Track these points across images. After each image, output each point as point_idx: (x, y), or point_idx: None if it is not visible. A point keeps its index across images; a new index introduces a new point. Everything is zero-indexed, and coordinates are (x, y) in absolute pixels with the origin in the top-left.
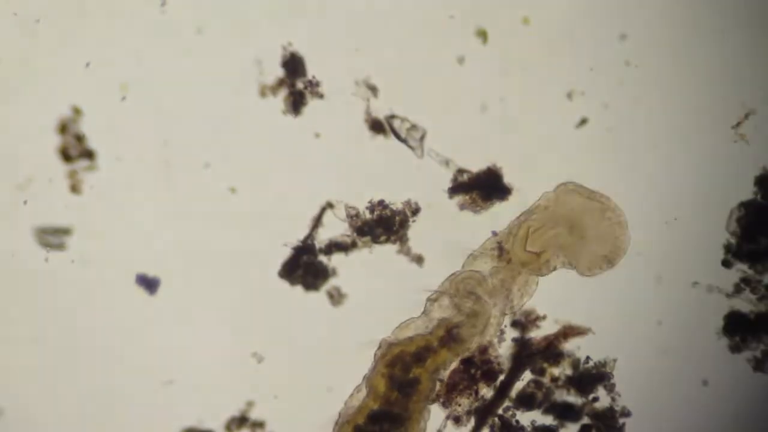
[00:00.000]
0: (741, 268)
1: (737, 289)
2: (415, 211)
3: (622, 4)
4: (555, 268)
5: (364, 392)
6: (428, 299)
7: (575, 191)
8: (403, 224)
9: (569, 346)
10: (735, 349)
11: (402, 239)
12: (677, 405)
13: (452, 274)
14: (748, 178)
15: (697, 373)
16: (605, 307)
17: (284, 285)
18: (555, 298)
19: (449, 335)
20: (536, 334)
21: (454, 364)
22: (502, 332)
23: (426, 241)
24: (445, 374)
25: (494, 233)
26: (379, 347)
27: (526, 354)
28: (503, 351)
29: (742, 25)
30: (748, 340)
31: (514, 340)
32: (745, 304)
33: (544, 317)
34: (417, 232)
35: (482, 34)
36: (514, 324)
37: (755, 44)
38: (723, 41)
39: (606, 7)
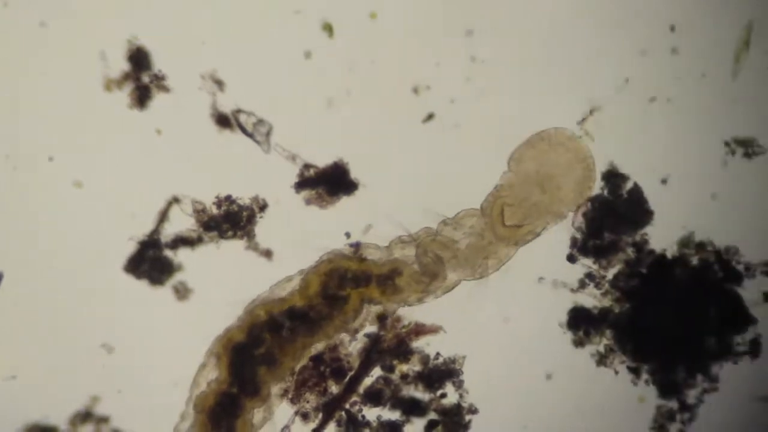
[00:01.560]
0: (586, 263)
1: (581, 285)
2: (263, 207)
3: (468, 0)
4: (540, 232)
5: (294, 285)
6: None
7: (526, 156)
8: (251, 220)
9: (419, 343)
10: (578, 343)
11: (249, 235)
12: (522, 400)
13: (430, 231)
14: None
15: (541, 367)
16: (454, 304)
17: (130, 279)
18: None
19: (389, 276)
20: (391, 332)
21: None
22: (357, 330)
23: (273, 236)
24: (368, 315)
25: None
26: (328, 253)
27: (376, 350)
28: (354, 348)
29: (587, 23)
30: (592, 334)
31: (367, 335)
32: (589, 299)
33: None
34: (264, 228)
35: (328, 29)
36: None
37: (600, 41)
38: (568, 38)
39: (452, 3)
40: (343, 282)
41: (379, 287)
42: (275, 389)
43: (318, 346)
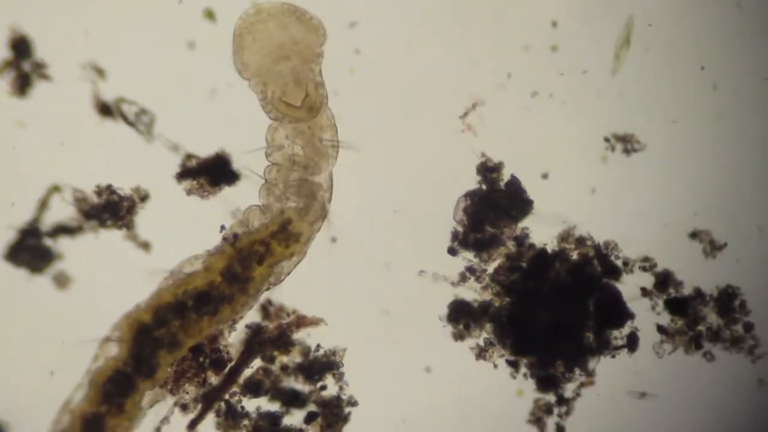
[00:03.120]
0: (466, 257)
1: (462, 278)
2: (144, 198)
3: None
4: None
5: (199, 265)
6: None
7: (245, 57)
8: (131, 210)
9: (300, 334)
10: (458, 337)
11: (129, 225)
12: (402, 392)
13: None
14: (473, 168)
15: (421, 360)
16: (335, 296)
17: (8, 268)
18: (290, 288)
19: (282, 228)
20: (272, 323)
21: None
22: (234, 321)
23: (153, 227)
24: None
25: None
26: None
27: (257, 341)
28: (234, 339)
29: (469, 19)
30: (471, 328)
31: (248, 326)
32: (470, 292)
33: (294, 312)
34: (145, 218)
35: (210, 16)
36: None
37: (482, 36)
38: (449, 33)
39: None
40: (248, 262)
41: (280, 244)
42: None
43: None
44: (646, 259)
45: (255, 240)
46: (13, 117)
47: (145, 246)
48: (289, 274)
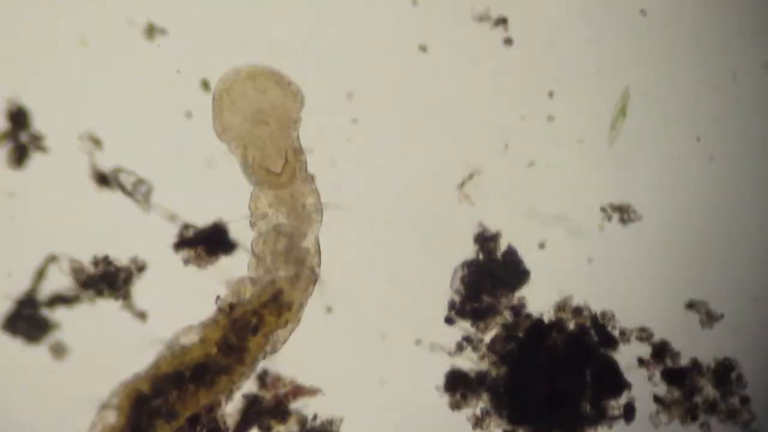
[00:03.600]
0: (463, 326)
1: (459, 347)
2: (141, 268)
3: (347, 64)
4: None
5: (195, 336)
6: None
7: (225, 119)
8: (128, 280)
9: (298, 404)
10: (455, 406)
11: (126, 295)
12: None
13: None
14: (471, 237)
15: (418, 430)
16: (332, 365)
17: (5, 338)
18: (287, 357)
19: (275, 297)
20: (270, 393)
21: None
22: (231, 391)
23: (150, 296)
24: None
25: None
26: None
27: (254, 411)
28: (231, 409)
29: (468, 88)
30: (469, 397)
31: (245, 396)
32: (467, 362)
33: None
34: (142, 288)
35: (206, 86)
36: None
37: (480, 106)
38: (448, 102)
39: (333, 64)
40: (243, 333)
41: (273, 314)
42: None
43: (218, 398)
44: (642, 329)
45: (248, 311)
46: (9, 188)
47: (142, 316)
48: (285, 341)
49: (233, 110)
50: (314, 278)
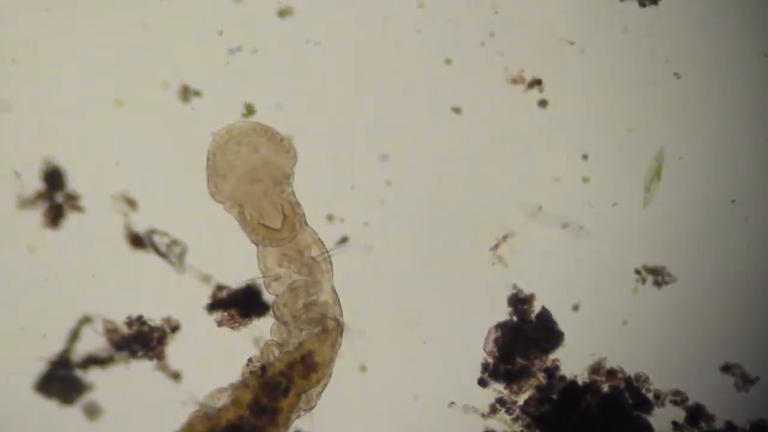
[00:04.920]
0: (497, 388)
1: (493, 410)
2: (175, 328)
3: (382, 126)
4: (292, 202)
5: (226, 397)
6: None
7: (219, 182)
8: (162, 340)
9: None
10: None
11: (159, 356)
12: None
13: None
14: (505, 299)
15: None
16: (365, 427)
17: (39, 399)
18: (319, 418)
19: (304, 358)
20: None
21: None
22: None
23: (184, 357)
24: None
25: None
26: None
27: None
28: None
29: (501, 151)
30: None
31: None
32: (500, 424)
33: None
34: (175, 348)
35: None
36: None
37: (513, 168)
38: (482, 163)
39: (366, 127)
40: (274, 394)
41: (302, 376)
42: None
43: None
44: (677, 392)
45: (277, 373)
46: (44, 247)
47: (176, 376)
48: (319, 396)
49: (227, 169)
50: (341, 329)
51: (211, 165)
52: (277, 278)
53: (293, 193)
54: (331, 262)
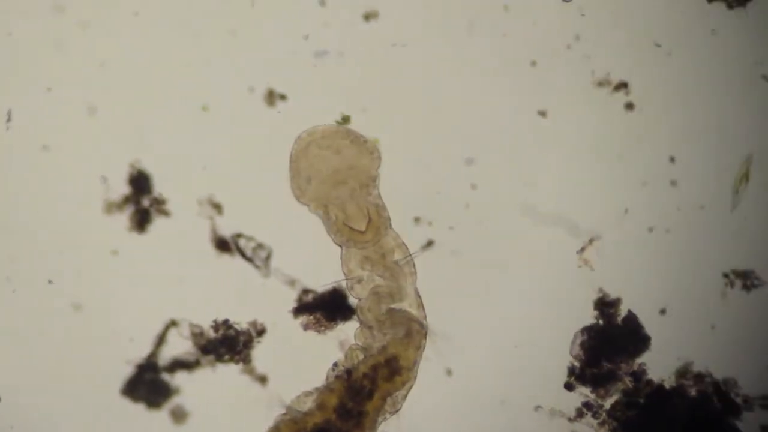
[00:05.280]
0: (583, 392)
1: (579, 414)
2: (261, 332)
3: (467, 129)
4: (378, 205)
5: (312, 401)
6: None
7: (303, 185)
8: (248, 344)
9: None
10: None
11: (246, 359)
12: None
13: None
14: (591, 303)
15: None
16: (451, 431)
17: (126, 402)
18: (405, 422)
19: (388, 362)
20: None
21: None
22: None
23: (270, 360)
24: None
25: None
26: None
27: None
28: None
29: (589, 154)
30: None
31: None
32: (587, 428)
33: None
34: (261, 352)
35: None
36: None
37: (600, 172)
38: (570, 168)
39: (451, 131)
40: (359, 398)
41: (386, 380)
42: None
43: None
44: (766, 396)
45: (361, 376)
46: (132, 252)
47: (262, 380)
48: (405, 399)
49: (310, 172)
50: (425, 332)
51: (294, 168)
52: (359, 281)
53: (379, 196)
54: (414, 266)
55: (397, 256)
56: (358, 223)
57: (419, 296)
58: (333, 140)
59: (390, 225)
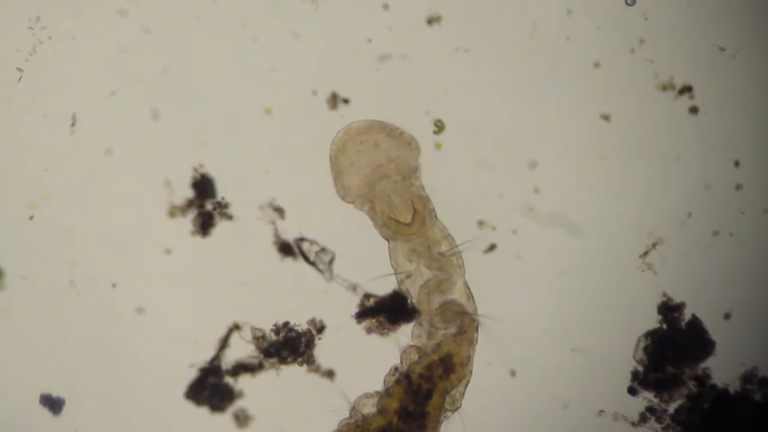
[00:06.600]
0: (647, 397)
1: (643, 418)
2: (321, 329)
3: (530, 133)
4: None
5: (373, 403)
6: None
7: (347, 180)
8: (309, 344)
9: None
10: None
11: (309, 360)
12: None
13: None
14: (655, 307)
15: None
16: None
17: (190, 406)
18: (466, 423)
19: (443, 359)
20: None
21: None
22: None
23: (333, 362)
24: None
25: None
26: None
27: None
28: None
29: (651, 157)
30: None
31: None
32: None
33: None
34: (324, 349)
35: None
36: None
37: (663, 175)
38: (630, 171)
39: (514, 133)
40: (419, 399)
41: (443, 378)
42: None
43: None
44: None
45: (417, 376)
46: (195, 256)
47: (329, 374)
48: (463, 395)
49: (351, 170)
50: (476, 325)
51: (335, 168)
52: (408, 275)
53: (423, 188)
54: (461, 258)
55: (444, 247)
56: (404, 215)
57: (468, 288)
58: (369, 135)
59: (436, 216)
